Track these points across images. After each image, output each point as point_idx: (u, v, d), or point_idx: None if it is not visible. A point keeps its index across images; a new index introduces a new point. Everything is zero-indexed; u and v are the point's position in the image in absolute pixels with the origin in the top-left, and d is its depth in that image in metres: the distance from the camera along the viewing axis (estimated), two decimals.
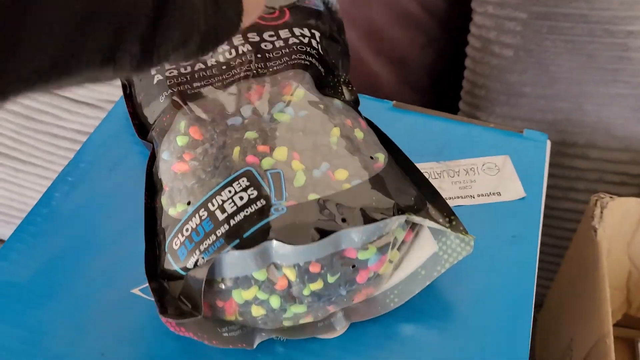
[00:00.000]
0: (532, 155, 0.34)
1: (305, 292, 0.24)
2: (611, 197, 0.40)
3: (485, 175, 0.33)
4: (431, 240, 0.27)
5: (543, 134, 0.35)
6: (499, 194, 0.32)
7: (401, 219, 0.24)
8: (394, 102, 0.37)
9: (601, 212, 0.40)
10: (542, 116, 0.47)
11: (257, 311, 0.24)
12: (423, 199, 0.27)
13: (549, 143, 0.35)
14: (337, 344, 0.27)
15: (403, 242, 0.26)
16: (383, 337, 0.27)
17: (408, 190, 0.26)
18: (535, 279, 0.29)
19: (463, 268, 0.28)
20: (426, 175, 0.32)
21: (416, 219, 0.25)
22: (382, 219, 0.24)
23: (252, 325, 0.25)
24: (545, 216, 0.51)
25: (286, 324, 0.25)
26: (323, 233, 0.23)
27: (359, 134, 0.28)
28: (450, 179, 0.33)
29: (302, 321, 0.26)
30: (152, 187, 0.28)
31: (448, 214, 0.26)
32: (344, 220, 0.24)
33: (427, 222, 0.25)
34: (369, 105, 0.36)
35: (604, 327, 0.36)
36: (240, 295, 0.24)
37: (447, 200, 0.30)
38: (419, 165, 0.32)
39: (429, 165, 0.33)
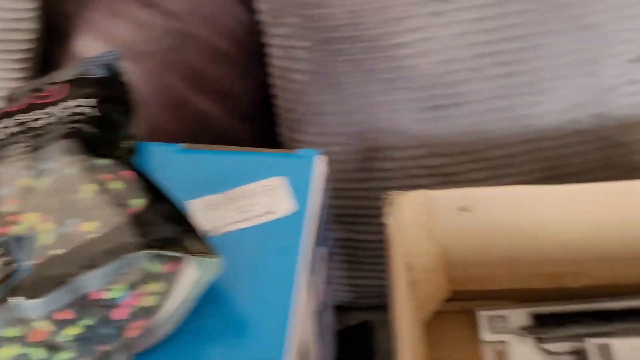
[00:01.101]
0: (304, 172, 0.39)
1: (66, 338, 0.27)
2: (401, 193, 0.45)
3: (263, 197, 0.37)
4: (192, 267, 0.30)
5: (314, 151, 0.40)
6: (273, 212, 0.36)
7: (141, 255, 0.28)
8: (185, 144, 0.41)
9: (394, 208, 0.45)
10: (346, 129, 0.52)
11: None
12: (180, 233, 0.30)
13: (321, 158, 0.40)
14: None
15: (166, 273, 0.30)
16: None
17: (164, 228, 0.30)
18: (295, 281, 0.33)
19: (238, 280, 0.33)
20: (207, 205, 0.36)
21: (165, 252, 0.29)
22: (120, 259, 0.27)
23: None
24: (365, 216, 0.56)
25: None
26: (63, 283, 0.26)
27: (117, 185, 0.31)
28: (231, 206, 0.37)
29: None
30: None
31: (201, 243, 0.30)
32: (88, 266, 0.27)
33: (178, 253, 0.29)
34: (160, 150, 0.40)
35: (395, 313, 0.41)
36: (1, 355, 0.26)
37: (228, 225, 0.34)
38: (203, 199, 0.36)
39: (212, 197, 0.37)
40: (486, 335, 0.56)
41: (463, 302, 0.58)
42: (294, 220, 0.36)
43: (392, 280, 0.42)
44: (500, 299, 0.57)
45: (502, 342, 0.56)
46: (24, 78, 0.57)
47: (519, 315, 0.57)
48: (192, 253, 0.29)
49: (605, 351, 0.51)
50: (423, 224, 0.47)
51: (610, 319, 0.55)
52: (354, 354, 0.62)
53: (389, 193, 0.45)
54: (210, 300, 0.32)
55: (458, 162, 0.53)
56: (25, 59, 0.56)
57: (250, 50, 0.58)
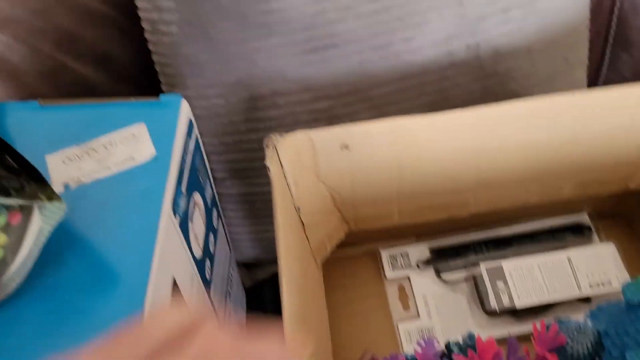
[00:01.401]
0: (167, 118, 0.38)
1: None
2: (281, 136, 0.45)
3: (123, 146, 0.36)
4: (36, 215, 0.29)
5: (177, 95, 0.39)
6: (133, 159, 0.35)
7: None
8: (39, 100, 0.39)
9: (276, 152, 0.45)
10: (225, 79, 0.51)
11: None
12: (21, 183, 0.29)
13: (184, 103, 0.39)
14: None
15: (10, 225, 0.29)
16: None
17: (5, 177, 0.29)
18: (160, 224, 0.32)
19: (101, 229, 0.32)
20: (67, 158, 0.35)
21: (5, 201, 0.28)
22: None
23: None
24: (259, 168, 0.55)
25: None
26: None
27: None
28: (91, 157, 0.35)
29: None
30: None
31: (46, 190, 0.29)
32: None
33: (17, 200, 0.28)
34: (16, 109, 0.38)
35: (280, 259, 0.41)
36: None
37: (88, 176, 0.33)
38: (61, 152, 0.35)
39: (70, 149, 0.36)
40: (389, 272, 0.58)
41: (368, 244, 0.59)
42: (156, 166, 0.35)
43: (277, 225, 0.42)
44: (403, 236, 0.59)
45: (405, 277, 0.57)
46: None
47: (419, 251, 0.59)
48: (34, 200, 0.28)
49: (496, 272, 0.53)
50: (307, 165, 0.47)
51: (502, 245, 0.57)
52: (265, 306, 0.62)
53: (269, 137, 0.44)
54: (72, 249, 0.31)
55: (344, 104, 0.54)
56: None
57: (125, 9, 0.56)
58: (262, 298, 0.64)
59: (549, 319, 0.50)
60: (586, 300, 0.53)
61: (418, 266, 0.58)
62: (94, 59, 0.57)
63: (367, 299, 0.57)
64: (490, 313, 0.53)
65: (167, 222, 0.33)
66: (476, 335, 0.44)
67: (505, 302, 0.52)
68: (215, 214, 0.45)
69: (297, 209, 0.48)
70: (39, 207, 0.29)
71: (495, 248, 0.57)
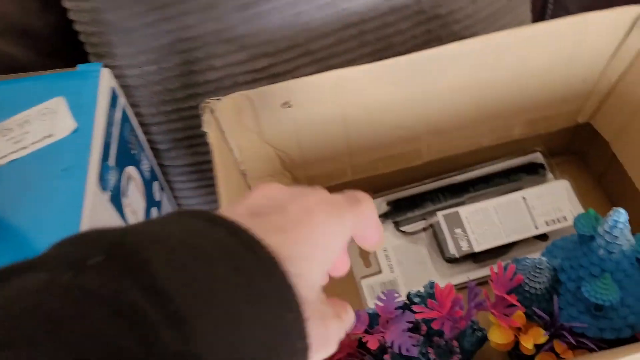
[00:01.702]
0: (87, 88, 0.35)
1: None
2: (217, 99, 0.43)
3: (39, 122, 0.33)
4: None
5: (96, 64, 0.36)
6: (52, 135, 0.33)
7: None
8: None
9: (214, 115, 0.43)
10: (156, 44, 0.49)
11: None
12: None
13: (105, 71, 0.36)
14: None
15: None
16: None
17: None
18: (85, 200, 0.30)
19: (22, 209, 0.30)
20: None
21: None
22: None
23: None
24: (203, 135, 0.54)
25: None
26: None
27: None
28: (5, 138, 0.33)
29: None
30: None
31: None
32: None
33: None
34: None
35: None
36: None
37: (3, 158, 0.30)
38: None
39: None
40: None
41: None
42: (77, 140, 0.33)
43: (220, 193, 0.40)
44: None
45: None
46: None
47: (377, 205, 0.58)
48: None
49: (453, 219, 0.53)
50: (249, 127, 0.45)
51: (458, 192, 0.57)
52: None
53: (206, 100, 0.42)
54: None
55: (283, 61, 0.51)
56: None
57: None
58: None
59: (507, 260, 0.50)
60: (543, 237, 0.53)
61: None
62: (12, 34, 0.53)
63: None
64: (451, 260, 0.52)
65: (94, 198, 0.31)
66: (435, 284, 0.43)
67: (465, 247, 0.51)
68: (157, 186, 0.43)
69: (243, 174, 0.46)
70: None
71: (452, 195, 0.57)
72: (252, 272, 0.19)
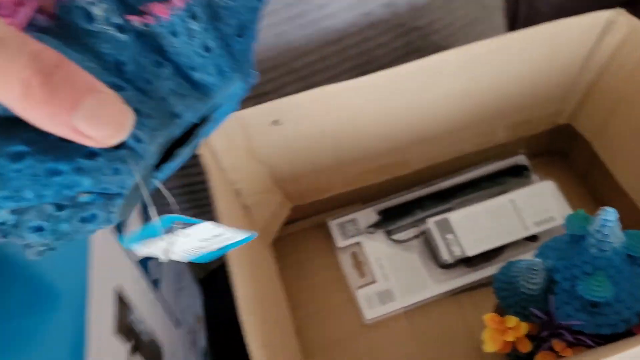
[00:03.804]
0: None
1: None
2: None
3: None
4: None
5: None
6: None
7: None
8: None
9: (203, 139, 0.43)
10: None
11: None
12: None
13: None
14: None
15: None
16: None
17: None
18: None
19: None
20: None
21: None
22: None
23: None
24: (193, 157, 0.54)
25: None
26: None
27: None
28: None
29: None
30: None
31: None
32: None
33: None
34: None
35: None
36: None
37: None
38: None
39: None
40: (340, 241, 0.57)
41: (315, 217, 0.58)
42: None
43: (218, 212, 0.41)
44: (349, 204, 0.58)
45: (356, 243, 0.57)
46: None
47: (367, 215, 0.58)
48: None
49: (444, 224, 0.54)
50: (241, 147, 0.46)
51: (446, 198, 0.58)
52: (222, 295, 0.61)
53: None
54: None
55: (269, 79, 0.52)
56: None
57: None
58: (216, 287, 0.63)
59: (500, 263, 0.51)
60: (533, 238, 0.54)
61: (368, 231, 0.58)
62: None
63: (322, 271, 0.57)
64: (444, 265, 0.53)
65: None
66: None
67: (457, 252, 0.52)
68: (153, 210, 0.43)
69: (238, 193, 0.47)
70: None
71: (440, 201, 0.58)
72: None
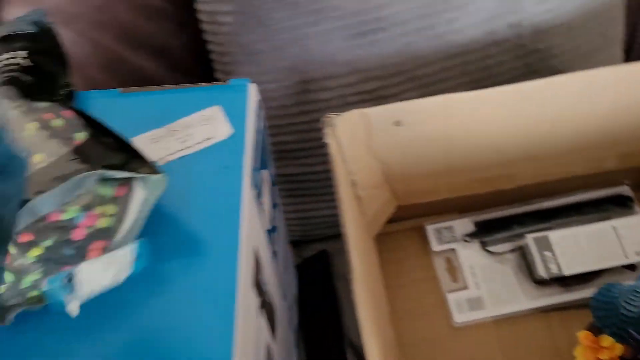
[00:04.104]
0: (238, 100, 0.40)
1: (30, 260, 0.29)
2: (337, 115, 0.48)
3: (201, 126, 0.39)
4: (140, 187, 0.32)
5: (245, 79, 0.42)
6: (213, 138, 0.38)
7: (90, 175, 0.30)
8: (122, 89, 0.42)
9: (333, 129, 0.48)
10: (279, 65, 0.54)
11: None
12: (124, 159, 0.32)
13: (252, 86, 0.41)
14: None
15: (118, 196, 0.32)
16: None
17: (108, 155, 0.32)
18: (242, 195, 0.35)
19: (188, 201, 0.35)
20: (152, 139, 0.38)
21: (109, 173, 0.31)
22: (68, 182, 0.29)
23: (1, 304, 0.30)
24: (309, 149, 0.58)
25: (33, 294, 0.30)
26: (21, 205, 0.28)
27: (58, 122, 0.33)
28: (173, 137, 0.38)
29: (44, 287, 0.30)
30: None
31: (147, 165, 0.32)
32: (39, 192, 0.29)
33: (125, 174, 0.31)
34: (98, 96, 0.41)
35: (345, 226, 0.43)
36: None
37: (172, 155, 0.36)
38: (145, 134, 0.38)
39: (155, 131, 0.39)
40: (435, 245, 0.60)
41: (413, 220, 0.61)
42: (233, 142, 0.38)
43: (339, 195, 0.45)
44: (446, 212, 0.61)
45: (451, 249, 0.60)
46: None
47: (464, 224, 0.61)
48: (138, 173, 0.31)
49: (543, 242, 0.55)
50: (361, 141, 0.50)
51: (546, 217, 0.59)
52: (315, 282, 0.65)
53: (327, 115, 0.47)
54: (165, 221, 0.35)
55: (391, 85, 0.56)
56: None
57: (184, 3, 0.59)
58: (310, 274, 0.67)
59: (596, 286, 0.52)
60: (632, 267, 0.54)
61: (464, 239, 0.60)
62: (151, 51, 0.60)
63: (416, 271, 0.59)
64: (539, 282, 0.55)
65: (249, 194, 0.36)
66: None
67: (554, 270, 0.54)
68: (277, 190, 0.48)
69: (354, 184, 0.51)
70: (143, 180, 0.32)
71: (539, 220, 0.59)
72: None
